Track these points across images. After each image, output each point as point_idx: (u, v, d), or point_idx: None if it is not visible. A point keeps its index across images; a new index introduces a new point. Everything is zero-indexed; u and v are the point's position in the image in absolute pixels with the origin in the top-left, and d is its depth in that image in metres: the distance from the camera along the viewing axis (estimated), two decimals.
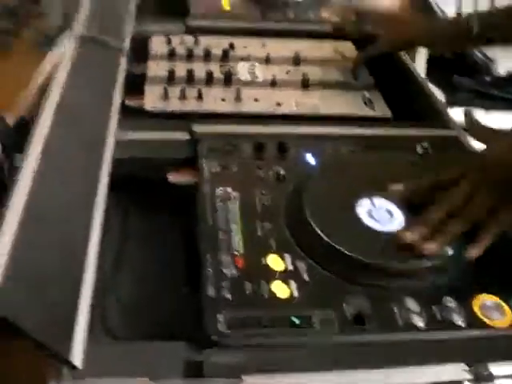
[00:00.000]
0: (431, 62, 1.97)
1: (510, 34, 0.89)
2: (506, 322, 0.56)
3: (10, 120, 0.74)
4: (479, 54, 2.01)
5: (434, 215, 0.63)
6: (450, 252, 0.61)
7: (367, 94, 0.90)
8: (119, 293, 0.62)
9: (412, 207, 0.65)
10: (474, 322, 0.55)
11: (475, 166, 0.66)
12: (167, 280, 0.64)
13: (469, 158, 0.70)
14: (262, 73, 0.94)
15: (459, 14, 0.91)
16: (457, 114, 2.07)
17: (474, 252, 0.61)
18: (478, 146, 0.76)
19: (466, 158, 0.71)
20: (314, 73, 0.94)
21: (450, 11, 2.18)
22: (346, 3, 1.23)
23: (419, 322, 0.55)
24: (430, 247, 0.60)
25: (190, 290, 0.60)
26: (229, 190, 0.67)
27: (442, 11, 2.13)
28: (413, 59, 1.89)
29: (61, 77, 0.76)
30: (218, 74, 0.91)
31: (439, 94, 1.98)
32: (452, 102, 1.97)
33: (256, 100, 0.87)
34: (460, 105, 1.97)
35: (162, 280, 0.64)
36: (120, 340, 0.58)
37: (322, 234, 0.60)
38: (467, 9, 2.32)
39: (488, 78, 2.02)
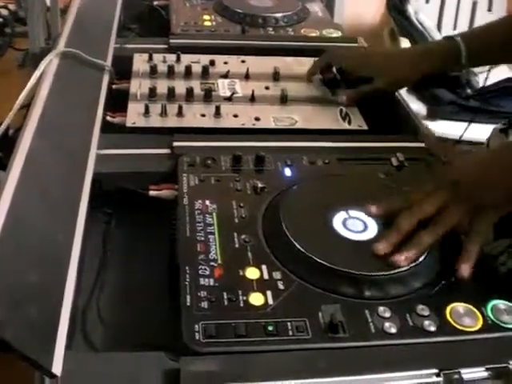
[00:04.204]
0: None
1: (496, 56, 0.92)
2: (476, 327, 0.57)
3: None
4: None
5: (406, 224, 0.64)
6: (424, 261, 0.62)
7: (344, 109, 0.92)
8: (100, 304, 0.63)
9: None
10: (445, 327, 0.57)
11: (443, 185, 0.67)
12: (148, 291, 0.65)
13: (437, 176, 0.72)
14: (241, 89, 0.96)
15: (447, 38, 0.93)
16: (439, 126, 2.10)
17: (465, 271, 0.62)
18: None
19: (435, 175, 0.72)
20: (293, 88, 0.96)
21: (431, 24, 2.22)
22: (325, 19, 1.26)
23: (392, 329, 0.56)
24: (401, 259, 0.61)
25: (171, 300, 0.61)
26: (207, 202, 0.69)
27: (423, 26, 2.17)
28: None
29: (43, 94, 0.78)
30: (198, 90, 0.93)
31: (421, 107, 2.01)
32: (434, 115, 2.00)
33: (235, 115, 0.89)
34: (442, 118, 2.01)
35: (143, 291, 0.66)
36: (100, 351, 0.59)
37: (296, 244, 0.62)
38: (448, 21, 2.36)
39: (470, 91, 2.05)
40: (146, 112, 0.87)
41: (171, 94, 0.91)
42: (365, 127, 0.89)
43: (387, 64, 0.96)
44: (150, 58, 1.02)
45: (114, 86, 0.96)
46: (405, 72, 0.95)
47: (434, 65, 0.94)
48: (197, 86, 0.94)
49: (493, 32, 0.92)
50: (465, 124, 1.83)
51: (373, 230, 0.66)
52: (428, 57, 0.94)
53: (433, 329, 0.56)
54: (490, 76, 1.76)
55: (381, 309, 0.58)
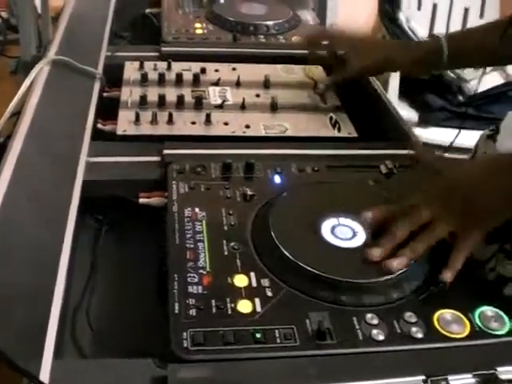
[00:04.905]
0: (405, 82, 2.02)
1: (477, 58, 0.93)
2: (464, 333, 0.58)
3: None
4: (452, 74, 2.06)
5: (401, 232, 0.64)
6: (412, 268, 0.63)
7: (334, 116, 0.93)
8: (90, 311, 0.64)
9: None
10: (432, 334, 0.57)
11: (435, 196, 0.67)
12: (138, 298, 0.65)
13: (428, 186, 0.71)
14: (232, 96, 0.96)
15: (431, 36, 0.93)
16: (430, 133, 2.11)
17: (448, 276, 0.62)
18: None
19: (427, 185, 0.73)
20: (283, 96, 0.96)
21: (423, 32, 2.24)
22: (317, 28, 1.26)
23: (379, 336, 0.56)
24: (396, 264, 0.62)
25: (160, 307, 0.62)
26: (197, 210, 0.69)
27: (415, 34, 2.18)
28: (386, 79, 1.94)
29: (34, 101, 0.78)
30: (189, 98, 0.93)
31: (413, 114, 2.02)
32: (426, 122, 2.01)
33: (226, 123, 0.89)
34: (434, 124, 2.02)
35: (132, 298, 0.66)
36: (89, 357, 0.59)
37: (285, 251, 0.62)
38: (440, 27, 2.37)
39: (461, 98, 2.06)
40: (137, 120, 0.87)
41: (162, 102, 0.91)
42: (354, 134, 0.90)
43: (366, 49, 0.95)
44: (141, 66, 1.02)
45: (104, 94, 0.96)
46: (379, 59, 0.94)
47: (413, 59, 0.93)
48: (188, 94, 0.94)
49: (476, 35, 0.93)
50: (456, 130, 1.84)
51: (361, 237, 0.66)
52: (408, 48, 0.94)
53: (420, 336, 0.57)
54: (481, 82, 1.77)
55: (368, 316, 0.58)
